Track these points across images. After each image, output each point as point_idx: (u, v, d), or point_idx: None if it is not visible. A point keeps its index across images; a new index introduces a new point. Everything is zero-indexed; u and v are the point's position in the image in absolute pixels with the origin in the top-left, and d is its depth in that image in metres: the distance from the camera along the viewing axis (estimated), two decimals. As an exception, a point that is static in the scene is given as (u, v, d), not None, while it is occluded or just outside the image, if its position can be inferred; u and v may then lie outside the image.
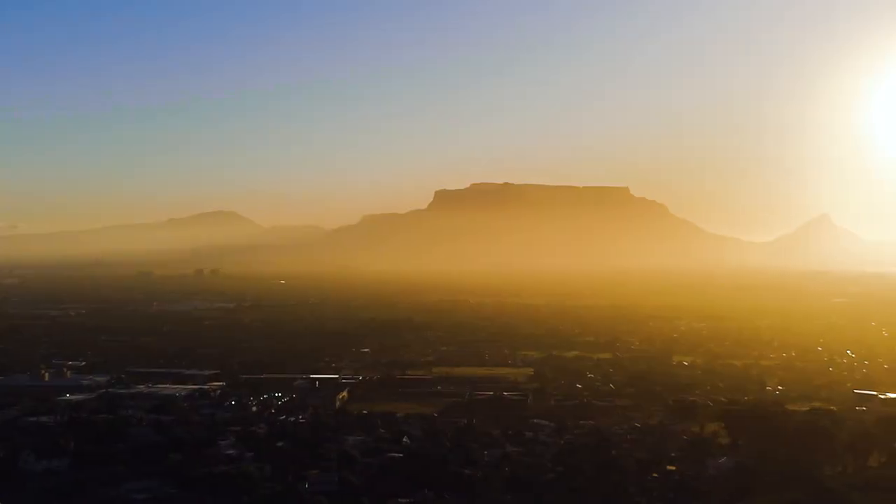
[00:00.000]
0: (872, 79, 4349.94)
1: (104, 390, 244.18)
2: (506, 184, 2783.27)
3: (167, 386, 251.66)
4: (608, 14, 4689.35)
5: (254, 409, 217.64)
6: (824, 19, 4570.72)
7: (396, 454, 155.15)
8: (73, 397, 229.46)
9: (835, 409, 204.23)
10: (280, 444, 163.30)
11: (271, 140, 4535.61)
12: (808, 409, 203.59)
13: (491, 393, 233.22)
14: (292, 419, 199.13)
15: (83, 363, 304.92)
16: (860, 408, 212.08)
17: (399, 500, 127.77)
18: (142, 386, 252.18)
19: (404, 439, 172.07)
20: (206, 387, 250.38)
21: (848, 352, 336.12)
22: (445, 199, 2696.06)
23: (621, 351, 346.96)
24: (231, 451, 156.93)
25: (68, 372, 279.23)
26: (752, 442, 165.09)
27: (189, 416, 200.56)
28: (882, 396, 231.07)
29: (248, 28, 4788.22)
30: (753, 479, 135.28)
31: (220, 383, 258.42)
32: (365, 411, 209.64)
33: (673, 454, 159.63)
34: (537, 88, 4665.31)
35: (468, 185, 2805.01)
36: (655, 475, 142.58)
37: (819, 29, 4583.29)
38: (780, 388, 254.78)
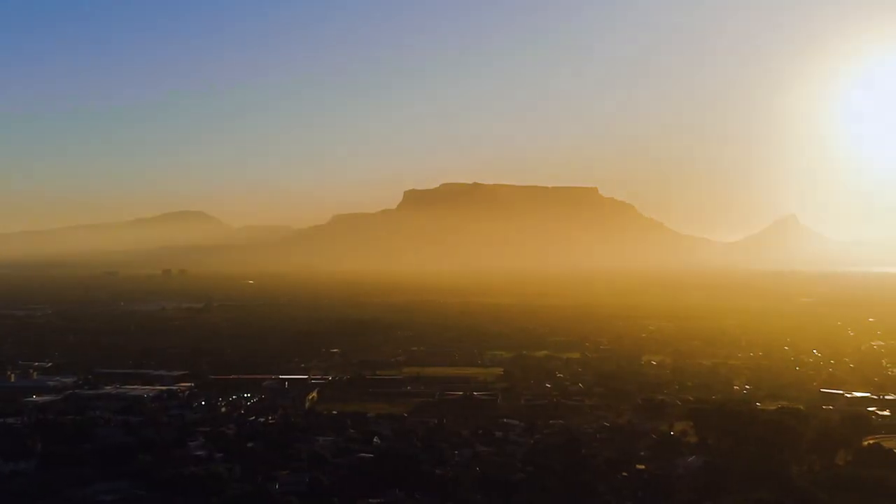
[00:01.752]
0: (838, 81, 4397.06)
1: (71, 391, 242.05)
2: (475, 184, 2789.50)
3: (135, 387, 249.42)
4: (576, 16, 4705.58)
5: (223, 409, 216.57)
6: (791, 22, 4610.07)
7: (367, 454, 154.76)
8: (39, 398, 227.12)
9: (802, 407, 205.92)
10: (250, 444, 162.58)
11: (239, 139, 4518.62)
12: (775, 407, 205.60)
13: (461, 393, 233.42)
14: (262, 420, 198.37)
15: (49, 364, 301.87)
16: (827, 407, 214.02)
17: (370, 500, 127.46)
18: (109, 387, 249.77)
19: (375, 439, 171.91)
20: (174, 387, 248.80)
21: (814, 351, 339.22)
22: (415, 198, 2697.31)
23: (590, 350, 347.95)
24: (200, 452, 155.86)
25: (34, 373, 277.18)
26: (720, 441, 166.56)
27: (157, 417, 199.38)
28: (848, 395, 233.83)
29: (217, 26, 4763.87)
30: (722, 477, 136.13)
31: (189, 384, 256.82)
32: (335, 412, 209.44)
33: (642, 453, 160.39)
34: (507, 89, 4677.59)
35: (438, 185, 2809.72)
36: (625, 474, 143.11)
37: (786, 32, 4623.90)
38: (747, 387, 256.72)
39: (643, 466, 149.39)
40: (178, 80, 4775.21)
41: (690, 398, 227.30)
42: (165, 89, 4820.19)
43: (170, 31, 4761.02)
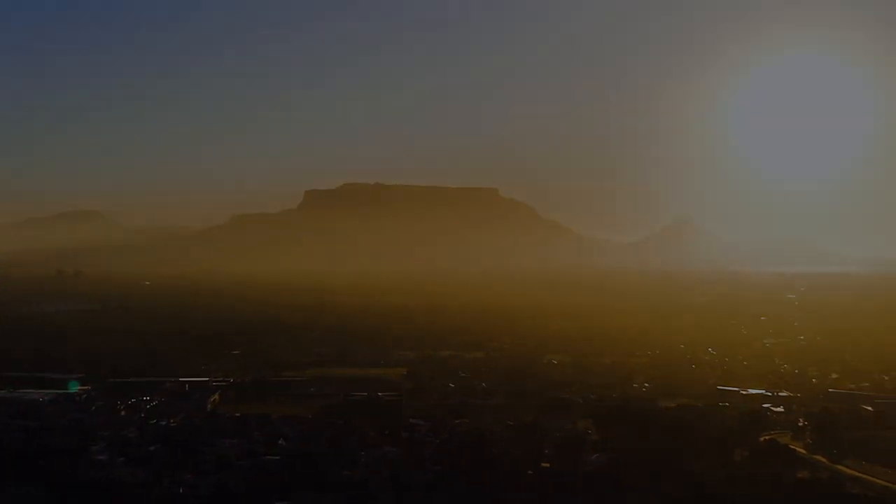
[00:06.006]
0: (733, 82, 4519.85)
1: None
2: (377, 184, 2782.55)
3: (29, 391, 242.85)
4: (472, 16, 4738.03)
5: (122, 413, 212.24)
6: (687, 27, 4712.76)
7: (273, 457, 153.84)
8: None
9: (700, 405, 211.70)
10: (152, 448, 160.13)
11: (135, 137, 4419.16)
12: (674, 405, 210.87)
13: (366, 393, 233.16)
14: (164, 423, 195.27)
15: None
16: (723, 404, 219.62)
17: (278, 503, 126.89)
18: (3, 391, 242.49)
19: (280, 441, 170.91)
20: (71, 391, 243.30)
21: (709, 349, 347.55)
22: (316, 198, 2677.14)
23: (493, 350, 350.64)
24: (102, 457, 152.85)
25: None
26: (623, 438, 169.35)
27: (55, 421, 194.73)
28: (743, 392, 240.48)
29: (110, 19, 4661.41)
30: (625, 474, 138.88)
31: (86, 387, 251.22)
32: (238, 414, 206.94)
33: (547, 451, 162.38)
34: (407, 88, 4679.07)
35: (339, 185, 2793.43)
36: (531, 473, 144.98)
37: (682, 36, 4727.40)
38: (646, 384, 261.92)
39: (548, 465, 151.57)
40: (71, 77, 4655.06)
41: (593, 396, 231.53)
42: (57, 86, 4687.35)
43: (61, 27, 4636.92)
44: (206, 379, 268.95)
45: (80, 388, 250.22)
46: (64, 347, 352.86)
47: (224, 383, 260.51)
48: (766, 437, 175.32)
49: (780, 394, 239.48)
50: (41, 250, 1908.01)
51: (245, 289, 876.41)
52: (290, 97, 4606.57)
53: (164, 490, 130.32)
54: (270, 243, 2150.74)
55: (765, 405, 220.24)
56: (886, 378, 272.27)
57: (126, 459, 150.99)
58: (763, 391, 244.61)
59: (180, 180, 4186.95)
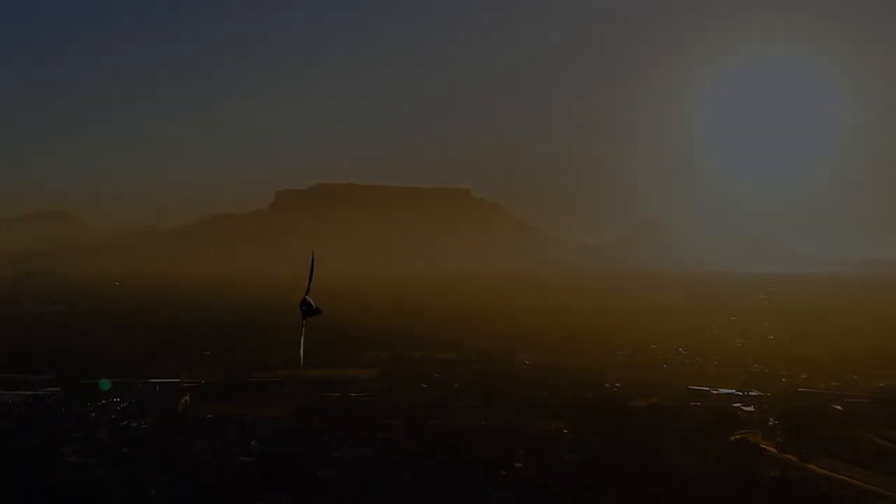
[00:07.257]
0: (701, 83, 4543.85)
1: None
2: (350, 184, 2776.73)
3: None
4: (444, 16, 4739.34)
5: (93, 414, 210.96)
6: (655, 29, 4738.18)
7: (247, 458, 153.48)
8: None
9: (672, 404, 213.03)
10: (125, 450, 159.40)
11: (104, 137, 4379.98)
12: (647, 405, 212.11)
13: (339, 394, 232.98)
14: (135, 424, 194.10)
15: None
16: (695, 403, 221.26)
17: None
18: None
19: (253, 442, 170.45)
20: (41, 392, 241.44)
21: (680, 349, 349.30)
22: (287, 199, 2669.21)
23: (466, 351, 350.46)
24: (74, 459, 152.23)
25: None
26: (596, 438, 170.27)
27: (27, 423, 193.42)
28: (714, 392, 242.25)
29: (78, 20, 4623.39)
30: (599, 474, 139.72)
31: (56, 388, 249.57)
32: (210, 415, 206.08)
33: (521, 451, 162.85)
34: (380, 88, 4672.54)
35: (311, 185, 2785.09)
36: (505, 473, 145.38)
37: (650, 37, 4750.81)
38: (618, 385, 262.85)
39: (522, 465, 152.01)
40: (37, 77, 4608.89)
41: (566, 396, 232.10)
42: (24, 87, 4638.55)
43: (23, 26, 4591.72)
44: (177, 380, 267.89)
45: (49, 389, 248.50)
46: (33, 348, 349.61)
47: (195, 384, 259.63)
48: (737, 437, 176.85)
49: (751, 393, 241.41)
50: (10, 251, 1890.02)
51: (215, 289, 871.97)
52: (262, 96, 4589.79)
53: (138, 491, 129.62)
54: (241, 244, 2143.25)
55: (736, 405, 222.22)
56: (856, 378, 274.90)
57: (99, 461, 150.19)
58: (734, 391, 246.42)
59: (149, 180, 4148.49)
